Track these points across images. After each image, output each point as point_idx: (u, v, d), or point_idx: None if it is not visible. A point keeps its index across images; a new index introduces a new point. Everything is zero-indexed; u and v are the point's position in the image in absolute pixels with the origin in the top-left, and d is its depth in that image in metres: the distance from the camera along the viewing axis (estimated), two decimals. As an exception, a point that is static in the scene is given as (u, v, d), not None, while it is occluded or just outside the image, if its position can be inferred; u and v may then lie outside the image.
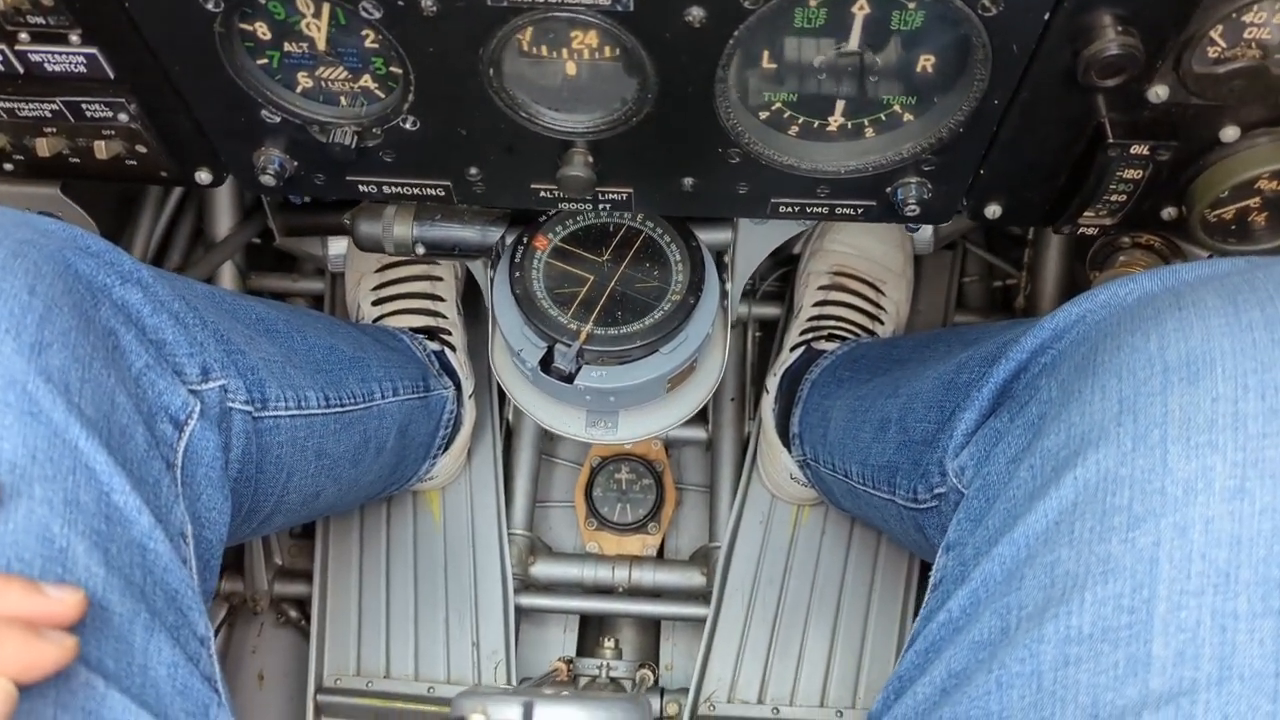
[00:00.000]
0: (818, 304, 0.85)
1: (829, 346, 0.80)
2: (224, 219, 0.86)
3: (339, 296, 0.92)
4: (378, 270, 0.84)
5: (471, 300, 0.91)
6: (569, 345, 0.60)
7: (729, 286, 0.66)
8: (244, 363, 0.54)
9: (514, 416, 0.92)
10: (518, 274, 0.61)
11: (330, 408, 0.62)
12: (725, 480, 0.90)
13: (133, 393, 0.44)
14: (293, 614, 0.94)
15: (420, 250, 0.59)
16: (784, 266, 0.95)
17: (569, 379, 0.61)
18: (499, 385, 0.85)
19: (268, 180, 0.51)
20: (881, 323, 0.84)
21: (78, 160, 0.52)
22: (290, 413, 0.57)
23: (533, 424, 0.91)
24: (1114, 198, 0.47)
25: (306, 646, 0.85)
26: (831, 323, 0.83)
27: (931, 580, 0.48)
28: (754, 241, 0.67)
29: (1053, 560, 0.37)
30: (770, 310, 0.95)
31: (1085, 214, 0.49)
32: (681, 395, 0.71)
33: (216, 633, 0.89)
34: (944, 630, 0.42)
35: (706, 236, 0.64)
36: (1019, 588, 0.38)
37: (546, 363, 0.61)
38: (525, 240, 0.62)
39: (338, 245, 0.86)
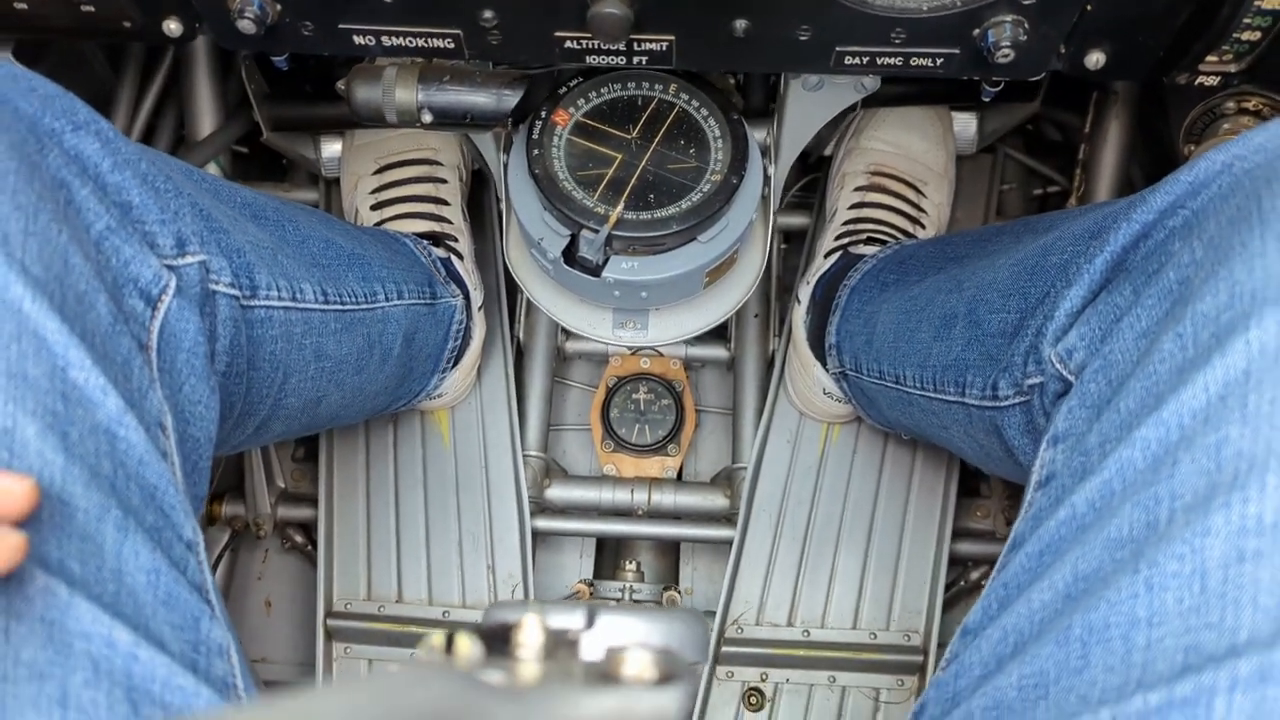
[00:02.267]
0: (854, 206, 0.80)
1: (868, 251, 0.76)
2: (206, 118, 0.79)
3: (335, 207, 0.87)
4: (375, 172, 0.78)
5: (475, 210, 0.86)
6: (596, 231, 0.55)
7: (771, 171, 0.62)
8: (228, 243, 0.48)
9: (525, 335, 0.88)
10: (536, 152, 0.57)
11: (329, 304, 0.58)
12: (749, 400, 0.87)
13: (92, 257, 0.38)
14: (298, 539, 0.90)
15: (427, 118, 0.53)
16: (811, 174, 0.91)
17: (596, 271, 0.57)
18: (508, 301, 0.83)
19: (246, 26, 0.45)
20: (923, 226, 0.79)
21: (25, 4, 0.45)
22: (284, 304, 0.53)
23: (546, 343, 0.87)
24: (1246, 35, 0.42)
25: (314, 573, 0.82)
26: (870, 226, 0.78)
27: (1035, 478, 0.43)
28: (801, 116, 0.62)
29: (1218, 440, 0.32)
30: (797, 220, 0.91)
31: (1208, 58, 0.43)
32: (719, 292, 0.67)
33: (219, 561, 0.87)
34: (1065, 529, 0.37)
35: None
36: (1171, 475, 0.33)
37: (570, 253, 0.57)
38: (544, 115, 0.57)
39: (331, 147, 0.80)
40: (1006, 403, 0.51)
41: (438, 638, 0.23)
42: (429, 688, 0.18)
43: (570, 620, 0.26)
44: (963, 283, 0.59)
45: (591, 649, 0.26)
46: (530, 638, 0.23)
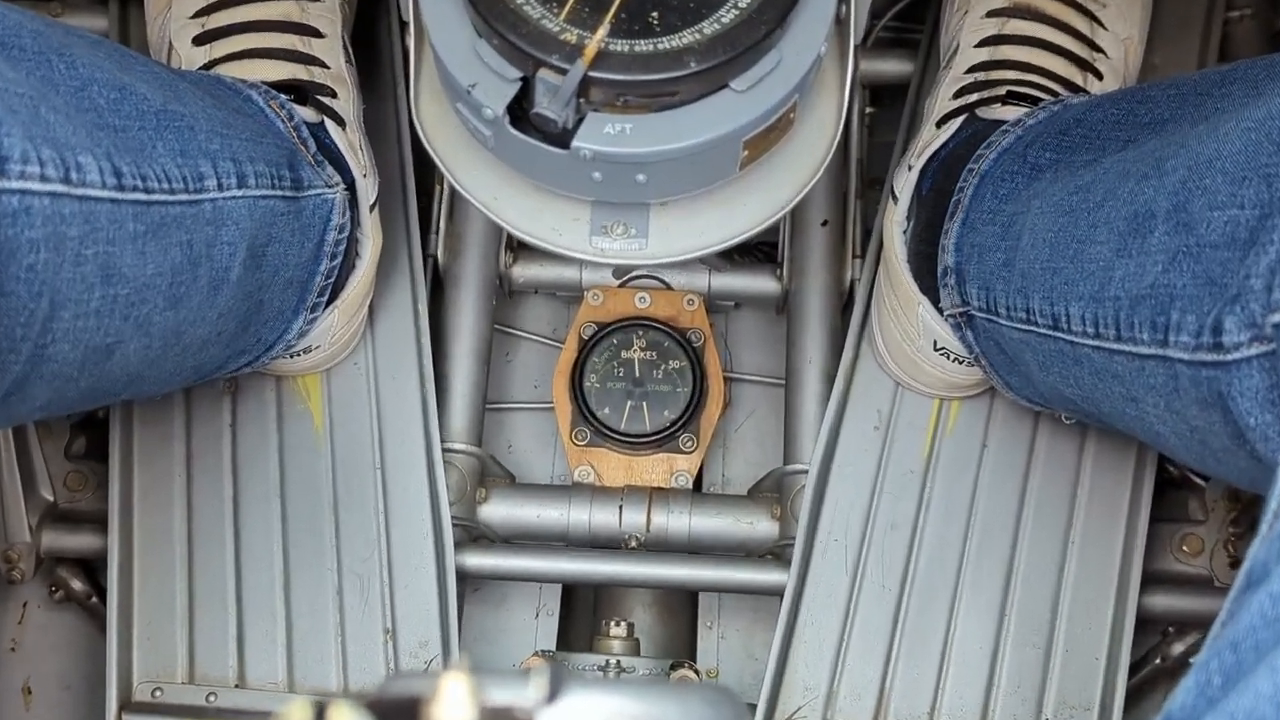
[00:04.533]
0: (986, 43, 0.80)
1: (1008, 114, 0.77)
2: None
3: (137, 39, 0.89)
4: (201, -13, 0.79)
5: (364, 46, 0.87)
6: (563, 72, 0.55)
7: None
8: None
9: (447, 252, 0.91)
10: (465, -63, 0.56)
11: (125, 190, 0.59)
12: (812, 361, 0.89)
13: None
14: (76, 585, 0.92)
15: None
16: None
17: (563, 139, 0.57)
18: (419, 196, 0.86)
19: None
20: (1097, 75, 0.80)
21: None
22: (49, 188, 0.53)
23: (480, 266, 0.90)
24: None
25: (102, 640, 0.83)
26: (1012, 75, 0.78)
27: None
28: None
29: None
30: (893, 65, 0.92)
31: None
32: (763, 180, 0.66)
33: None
34: None
35: None
36: None
37: (521, 109, 0.57)
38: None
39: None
40: (1236, 354, 0.52)
41: (299, 712, 0.24)
42: None
43: (519, 694, 0.27)
44: (1164, 163, 0.59)
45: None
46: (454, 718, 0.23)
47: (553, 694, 0.27)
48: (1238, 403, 0.52)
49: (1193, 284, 0.55)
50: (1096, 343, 0.63)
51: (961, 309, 0.76)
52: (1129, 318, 0.59)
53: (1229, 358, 0.52)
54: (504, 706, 0.27)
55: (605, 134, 0.58)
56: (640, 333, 0.91)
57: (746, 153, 0.62)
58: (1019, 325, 0.69)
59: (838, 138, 0.67)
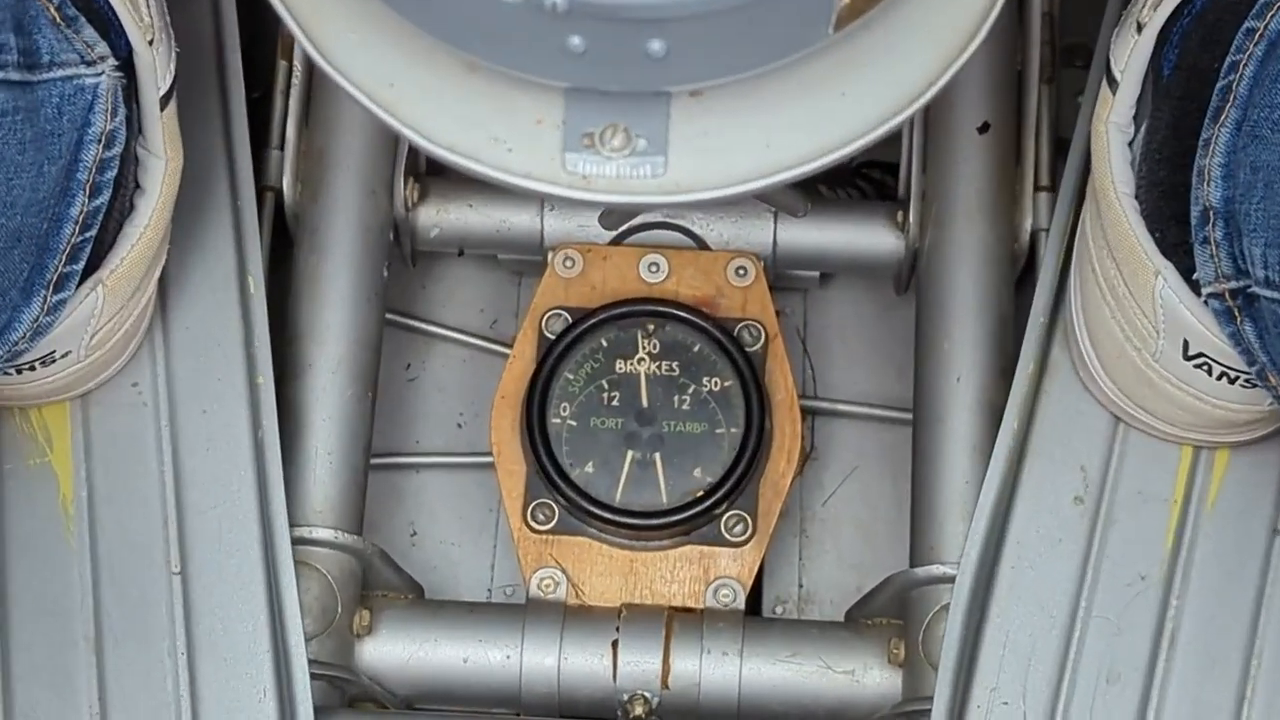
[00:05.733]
0: None
1: None
2: None
3: None
4: None
5: None
6: None
7: None
8: None
9: (299, 185, 0.90)
10: None
11: None
12: (961, 380, 0.86)
13: None
14: None
15: None
16: None
17: None
18: (245, 76, 0.87)
19: None
20: None
21: None
22: None
23: (358, 204, 0.88)
24: None
25: None
26: None
27: None
28: None
29: None
30: None
31: None
32: (875, 48, 0.64)
33: None
34: None
35: None
36: None
37: None
38: None
39: None
40: None
41: None
42: None
43: None
44: None
45: None
46: None
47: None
48: None
49: None
50: None
51: (1235, 283, 0.72)
52: None
53: None
54: None
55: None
56: (651, 328, 0.87)
57: (842, 7, 0.59)
58: None
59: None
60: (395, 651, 0.82)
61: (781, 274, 0.90)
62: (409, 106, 0.62)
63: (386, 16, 0.61)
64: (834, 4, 0.57)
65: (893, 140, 0.83)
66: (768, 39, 0.58)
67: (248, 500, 0.81)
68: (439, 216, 0.89)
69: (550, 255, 0.87)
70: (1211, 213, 0.71)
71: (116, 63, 0.74)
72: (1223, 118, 0.71)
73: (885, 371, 0.93)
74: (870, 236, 0.88)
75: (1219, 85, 0.72)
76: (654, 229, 0.88)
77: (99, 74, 0.73)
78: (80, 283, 0.76)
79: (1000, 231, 0.86)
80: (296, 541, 0.81)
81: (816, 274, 0.92)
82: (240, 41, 0.86)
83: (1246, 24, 0.71)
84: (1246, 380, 0.75)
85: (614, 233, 0.87)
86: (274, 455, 0.81)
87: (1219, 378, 0.75)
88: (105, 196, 0.75)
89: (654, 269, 0.86)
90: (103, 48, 0.73)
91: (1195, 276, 0.73)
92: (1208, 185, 0.71)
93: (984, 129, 0.86)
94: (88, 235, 0.75)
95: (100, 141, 0.74)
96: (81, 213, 0.74)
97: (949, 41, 0.62)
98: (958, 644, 0.79)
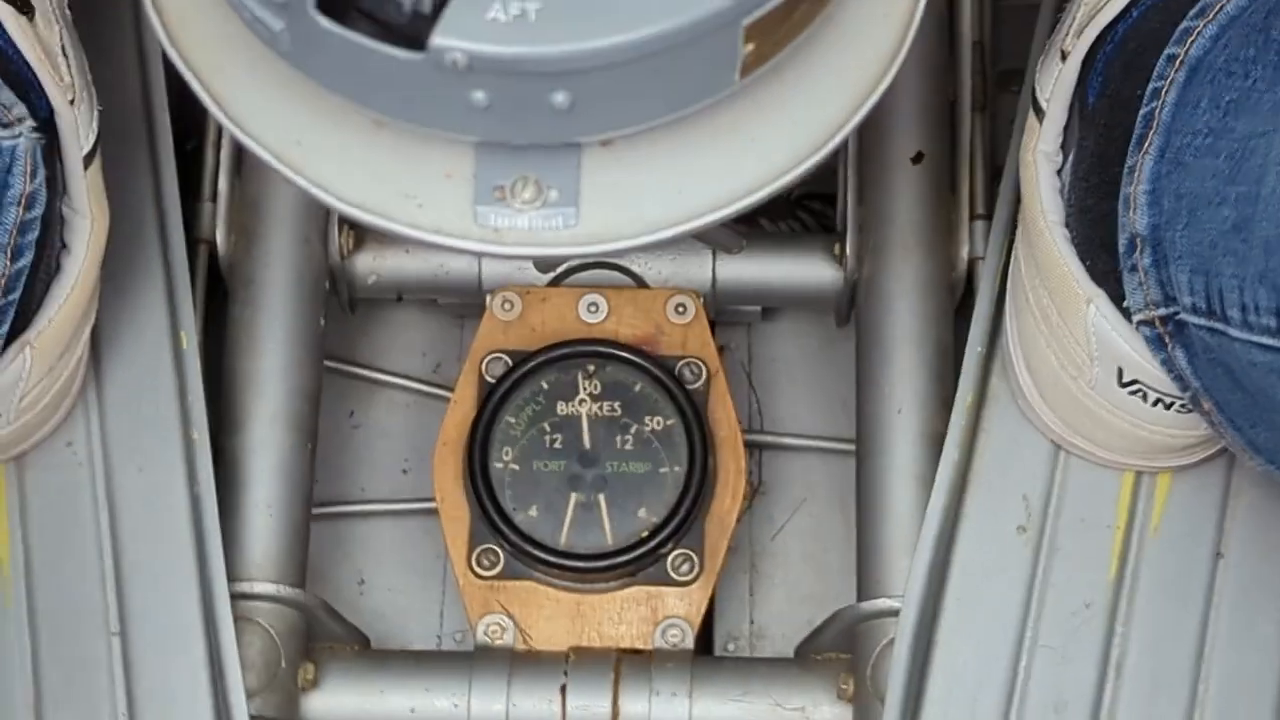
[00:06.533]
0: None
1: None
2: None
3: None
4: None
5: None
6: None
7: None
8: None
9: (232, 235, 0.91)
10: None
11: None
12: (902, 412, 0.88)
13: None
14: None
15: None
16: None
17: (411, 29, 0.57)
18: (179, 136, 0.90)
19: None
20: None
21: None
22: None
23: (292, 253, 0.90)
24: None
25: None
26: None
27: None
28: None
29: None
30: None
31: None
32: (789, 89, 0.66)
33: None
34: None
35: None
36: None
37: None
38: None
39: None
40: None
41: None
42: None
43: None
44: None
45: None
46: None
47: None
48: None
49: None
50: None
51: (1163, 309, 0.74)
52: None
53: None
54: None
55: (491, 20, 0.56)
56: (591, 368, 0.89)
57: (751, 46, 0.60)
58: (1267, 339, 0.68)
59: (913, 32, 0.65)
60: (342, 703, 0.84)
61: (723, 310, 0.93)
62: (317, 165, 0.63)
63: (291, 75, 0.62)
64: (739, 52, 0.58)
65: (832, 172, 0.84)
66: (675, 88, 0.59)
67: (185, 558, 0.82)
68: (375, 263, 0.91)
69: (489, 298, 0.89)
70: (1138, 240, 0.74)
71: (35, 124, 0.75)
72: (1146, 145, 0.73)
73: (832, 403, 0.95)
74: (809, 270, 0.90)
75: (1142, 112, 0.74)
76: (593, 268, 0.90)
77: (16, 135, 0.75)
78: (6, 345, 0.77)
79: (937, 261, 0.88)
80: (238, 596, 0.82)
81: (759, 309, 0.94)
82: (173, 92, 0.86)
83: (1167, 50, 0.73)
84: (1181, 405, 0.77)
85: (549, 275, 0.89)
86: (211, 511, 0.82)
87: (1154, 404, 0.77)
88: (28, 258, 0.76)
89: (593, 309, 0.88)
90: (20, 109, 0.75)
91: (1125, 304, 0.75)
92: (1134, 213, 0.73)
93: (918, 159, 0.88)
94: (11, 298, 0.76)
95: (20, 204, 0.75)
96: (4, 276, 0.75)
97: (858, 84, 0.64)
98: (904, 677, 0.80)
